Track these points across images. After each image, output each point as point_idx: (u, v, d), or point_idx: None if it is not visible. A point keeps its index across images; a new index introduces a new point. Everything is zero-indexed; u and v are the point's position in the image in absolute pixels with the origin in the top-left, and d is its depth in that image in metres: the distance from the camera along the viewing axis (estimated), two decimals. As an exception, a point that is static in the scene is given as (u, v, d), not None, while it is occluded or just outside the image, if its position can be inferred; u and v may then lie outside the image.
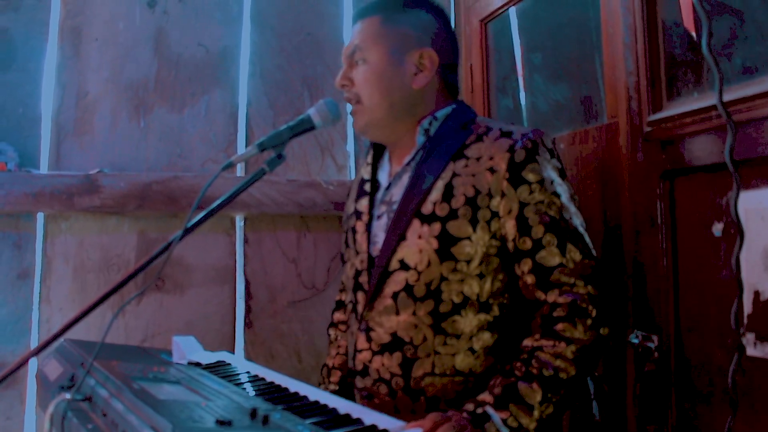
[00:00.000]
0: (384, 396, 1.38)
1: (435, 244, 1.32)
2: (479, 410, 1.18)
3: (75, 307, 1.96)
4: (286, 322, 2.19)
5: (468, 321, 1.33)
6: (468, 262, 1.32)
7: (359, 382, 1.43)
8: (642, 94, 1.45)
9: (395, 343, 1.37)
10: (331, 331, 1.75)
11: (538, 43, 2.23)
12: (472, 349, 1.33)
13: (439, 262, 1.32)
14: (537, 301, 1.31)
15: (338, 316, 1.76)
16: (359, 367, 1.42)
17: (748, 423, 1.21)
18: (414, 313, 1.35)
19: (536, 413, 1.18)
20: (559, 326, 1.25)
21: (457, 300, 1.33)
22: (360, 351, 1.42)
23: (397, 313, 1.36)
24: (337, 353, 1.68)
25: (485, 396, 1.21)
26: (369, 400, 1.40)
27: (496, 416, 1.16)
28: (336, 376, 1.64)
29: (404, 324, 1.35)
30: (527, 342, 1.28)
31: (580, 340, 1.23)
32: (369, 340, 1.40)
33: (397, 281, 1.36)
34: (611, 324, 1.28)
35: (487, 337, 1.34)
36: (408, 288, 1.35)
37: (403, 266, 1.36)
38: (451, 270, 1.32)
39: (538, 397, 1.19)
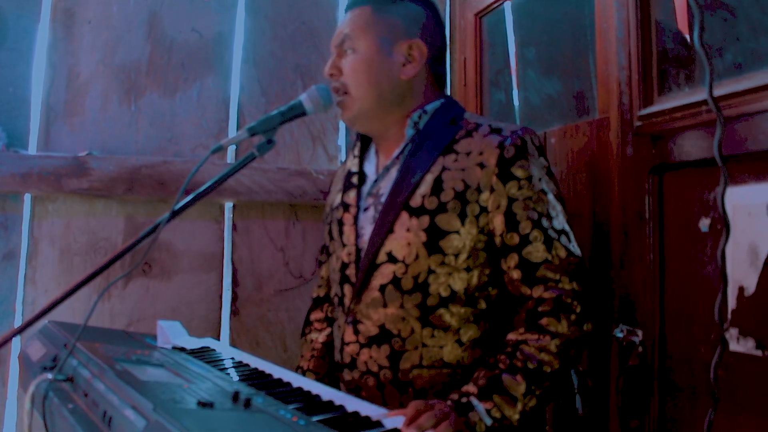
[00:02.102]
0: (372, 388, 1.38)
1: (423, 237, 1.32)
2: (463, 399, 1.18)
3: (60, 289, 1.93)
4: (272, 311, 2.19)
5: (455, 314, 1.33)
6: (456, 255, 1.32)
7: (346, 375, 1.43)
8: (633, 88, 1.46)
9: (383, 336, 1.37)
10: (306, 331, 1.73)
11: (533, 38, 2.23)
12: (459, 342, 1.34)
13: (427, 255, 1.33)
14: (522, 296, 1.32)
15: (316, 315, 1.74)
16: (347, 359, 1.42)
17: (729, 417, 1.22)
18: (401, 306, 1.35)
19: (519, 405, 1.19)
20: (544, 321, 1.25)
21: (444, 293, 1.33)
22: (347, 344, 1.42)
23: (385, 305, 1.36)
24: (312, 356, 1.66)
25: (469, 387, 1.22)
26: (356, 393, 1.40)
27: (480, 406, 1.17)
28: (311, 378, 1.63)
29: (392, 316, 1.36)
30: (512, 336, 1.28)
31: (564, 335, 1.24)
32: (356, 332, 1.40)
33: (384, 274, 1.36)
34: (594, 320, 1.29)
35: (474, 330, 1.34)
36: (395, 281, 1.35)
37: (391, 259, 1.36)
38: (439, 263, 1.32)
39: (522, 389, 1.19)
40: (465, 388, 1.22)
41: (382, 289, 1.36)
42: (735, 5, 1.32)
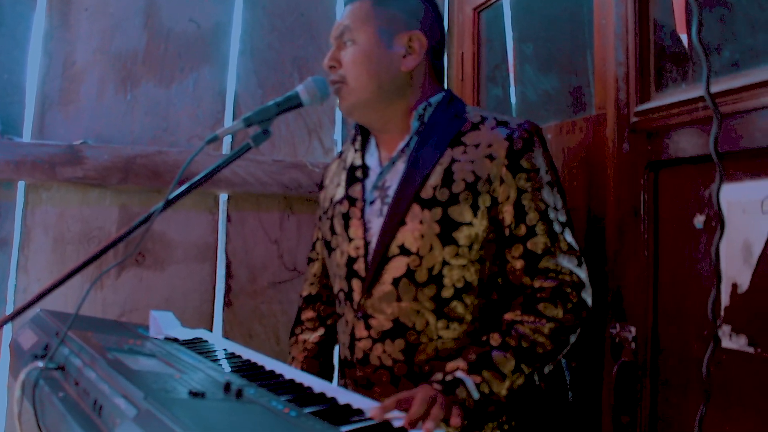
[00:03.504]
0: (386, 383, 1.37)
1: (437, 228, 1.33)
2: (448, 378, 1.19)
3: (53, 278, 1.89)
4: (265, 303, 2.19)
5: (469, 305, 1.34)
6: (470, 246, 1.33)
7: (358, 371, 1.42)
8: (630, 84, 1.46)
9: (397, 330, 1.36)
10: (297, 331, 1.71)
11: (530, 34, 2.23)
12: (475, 332, 1.34)
13: (441, 246, 1.33)
14: (522, 286, 1.34)
15: (307, 314, 1.71)
16: (359, 355, 1.41)
17: (721, 414, 1.23)
18: (415, 299, 1.34)
19: (507, 382, 1.21)
20: (541, 305, 1.28)
21: (459, 285, 1.33)
22: (359, 339, 1.41)
23: (399, 299, 1.36)
24: (305, 356, 1.63)
25: (457, 362, 1.23)
26: (368, 389, 1.40)
27: (469, 380, 1.18)
28: None
29: (406, 310, 1.35)
30: (508, 316, 1.30)
31: (558, 320, 1.27)
32: (368, 327, 1.39)
33: (397, 267, 1.36)
34: (589, 311, 1.31)
35: (487, 320, 1.35)
36: (409, 273, 1.35)
37: (404, 251, 1.35)
38: (453, 254, 1.33)
39: (511, 366, 1.21)
40: (451, 365, 1.23)
41: (396, 282, 1.36)
42: (733, 2, 1.32)
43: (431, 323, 1.34)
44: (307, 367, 1.61)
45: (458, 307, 1.34)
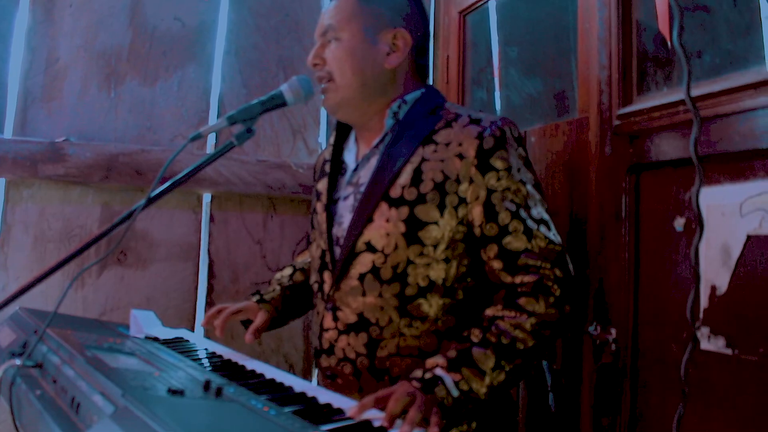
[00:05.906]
0: (348, 375, 1.39)
1: (402, 227, 1.33)
2: (428, 375, 1.18)
3: (33, 276, 1.92)
4: (248, 303, 2.17)
5: (433, 304, 1.33)
6: (434, 246, 1.33)
7: (324, 361, 1.44)
8: (613, 88, 1.47)
9: (361, 324, 1.37)
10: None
11: (515, 37, 2.24)
12: (437, 332, 1.34)
13: (406, 245, 1.33)
14: (503, 284, 1.33)
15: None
16: (325, 345, 1.43)
17: (699, 415, 1.24)
18: (380, 295, 1.35)
19: (488, 379, 1.19)
20: (522, 300, 1.26)
21: (422, 283, 1.33)
22: (326, 330, 1.43)
23: (364, 294, 1.37)
24: (303, 267, 1.72)
25: (437, 359, 1.22)
26: (332, 380, 1.41)
27: (448, 378, 1.17)
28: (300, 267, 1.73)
29: (370, 305, 1.36)
30: (489, 311, 1.29)
31: (540, 315, 1.25)
32: (335, 319, 1.41)
33: (363, 263, 1.37)
34: (573, 304, 1.29)
35: (451, 320, 1.34)
36: (375, 270, 1.35)
37: (370, 248, 1.36)
38: (417, 254, 1.33)
39: (491, 364, 1.20)
40: (431, 362, 1.22)
41: (362, 278, 1.37)
42: (714, 7, 1.33)
43: (394, 320, 1.35)
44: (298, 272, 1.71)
45: (423, 306, 1.34)
